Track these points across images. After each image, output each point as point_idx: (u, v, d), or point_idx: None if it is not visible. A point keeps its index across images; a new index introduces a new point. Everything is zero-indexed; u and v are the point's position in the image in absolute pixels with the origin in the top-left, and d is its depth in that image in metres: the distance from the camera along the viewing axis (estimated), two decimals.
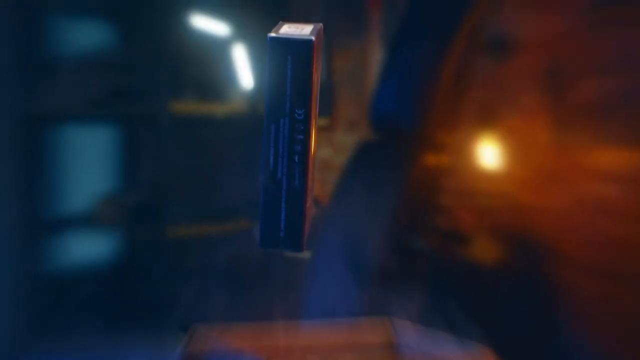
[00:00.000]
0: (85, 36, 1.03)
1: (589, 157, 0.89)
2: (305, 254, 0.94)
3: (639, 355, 0.81)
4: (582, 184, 0.88)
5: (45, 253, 1.01)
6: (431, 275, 0.90)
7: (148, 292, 0.98)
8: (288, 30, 0.50)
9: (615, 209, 0.85)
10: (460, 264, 0.91)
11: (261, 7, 1.00)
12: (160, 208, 1.04)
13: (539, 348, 0.86)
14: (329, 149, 1.06)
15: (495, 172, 0.93)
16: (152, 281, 0.99)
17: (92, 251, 1.01)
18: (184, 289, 0.93)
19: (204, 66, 1.03)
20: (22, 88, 1.00)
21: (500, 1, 0.94)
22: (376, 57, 1.02)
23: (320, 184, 1.01)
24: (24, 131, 1.00)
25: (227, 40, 1.03)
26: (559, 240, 0.88)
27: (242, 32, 1.02)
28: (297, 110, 0.50)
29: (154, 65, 1.03)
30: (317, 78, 0.52)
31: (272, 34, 0.48)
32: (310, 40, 0.49)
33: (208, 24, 1.02)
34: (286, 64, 0.50)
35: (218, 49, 1.02)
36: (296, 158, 0.50)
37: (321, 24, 0.52)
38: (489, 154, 0.94)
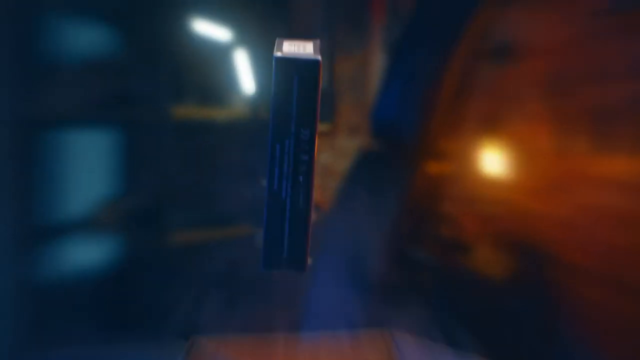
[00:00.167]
0: (85, 40, 1.02)
1: (593, 164, 0.88)
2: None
3: None
4: (586, 191, 0.88)
5: (43, 258, 1.01)
6: (432, 287, 0.90)
7: (147, 299, 0.97)
8: (290, 48, 0.49)
9: (619, 216, 0.85)
10: (462, 274, 0.90)
11: (263, 12, 0.99)
12: (161, 213, 1.03)
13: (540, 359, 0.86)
14: (330, 155, 1.05)
15: (498, 180, 0.93)
16: (152, 287, 0.99)
17: (91, 256, 1.01)
18: (184, 296, 0.92)
19: (205, 71, 1.02)
20: (21, 91, 0.99)
21: (505, 7, 0.94)
22: (378, 63, 1.01)
23: (321, 190, 1.00)
24: (23, 135, 0.99)
25: (228, 45, 1.02)
26: (562, 248, 0.87)
27: (243, 37, 1.01)
28: (302, 130, 0.50)
29: (155, 70, 1.02)
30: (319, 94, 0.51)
31: (278, 54, 0.48)
32: (317, 61, 0.49)
33: (209, 29, 1.01)
34: (292, 84, 0.49)
35: (219, 53, 1.01)
36: (300, 178, 0.50)
37: (319, 40, 0.51)
38: (492, 161, 0.94)
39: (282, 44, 0.50)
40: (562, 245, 0.86)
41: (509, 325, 0.86)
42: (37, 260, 1.00)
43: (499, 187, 0.92)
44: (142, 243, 1.02)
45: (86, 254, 1.01)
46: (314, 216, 0.55)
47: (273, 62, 0.48)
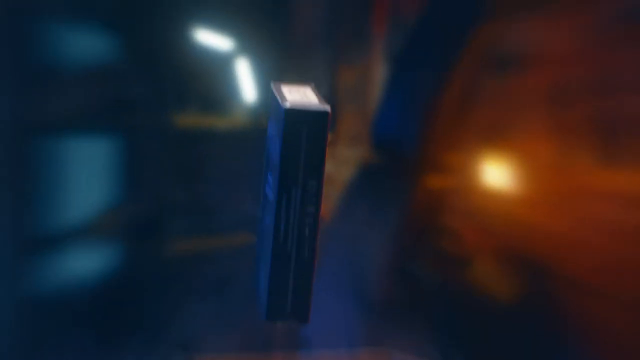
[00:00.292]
0: (86, 46, 1.01)
1: (598, 178, 0.88)
2: None
3: None
4: (591, 205, 0.87)
5: (40, 268, 1.00)
6: (433, 305, 0.89)
7: (147, 310, 0.97)
8: (294, 96, 0.49)
9: (625, 231, 0.85)
10: (463, 291, 0.90)
11: (264, 21, 0.98)
12: (161, 222, 1.02)
13: None
14: (331, 164, 1.04)
15: (501, 193, 0.92)
16: (151, 298, 0.98)
17: (89, 266, 1.00)
18: (181, 309, 0.92)
19: (207, 79, 1.01)
20: (19, 97, 0.98)
21: (510, 17, 0.92)
22: (380, 73, 1.00)
23: (323, 199, 1.00)
24: (21, 141, 0.98)
25: (229, 53, 1.01)
26: (567, 263, 0.87)
27: (245, 45, 1.00)
28: (309, 182, 0.49)
29: (156, 76, 1.01)
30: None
31: (287, 106, 0.47)
32: (327, 112, 0.49)
33: (211, 37, 1.00)
34: (300, 135, 0.49)
35: (221, 61, 1.00)
36: (307, 231, 0.50)
37: (313, 84, 0.52)
38: (495, 174, 0.93)
39: (281, 90, 0.50)
40: (567, 261, 0.86)
41: (510, 345, 0.86)
42: (34, 270, 0.99)
43: (501, 200, 0.91)
44: (142, 253, 1.02)
45: (84, 264, 1.00)
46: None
47: (282, 114, 0.47)
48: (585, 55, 0.88)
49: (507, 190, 0.91)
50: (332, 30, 0.99)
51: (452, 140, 0.94)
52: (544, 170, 0.90)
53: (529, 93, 0.91)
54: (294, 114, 0.47)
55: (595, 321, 0.83)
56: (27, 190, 0.98)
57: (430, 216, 0.93)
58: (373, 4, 0.99)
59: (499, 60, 0.92)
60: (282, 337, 0.88)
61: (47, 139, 0.99)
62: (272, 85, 0.52)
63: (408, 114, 0.97)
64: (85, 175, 1.01)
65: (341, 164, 1.02)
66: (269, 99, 0.52)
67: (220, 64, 0.99)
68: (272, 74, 0.98)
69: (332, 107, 1.01)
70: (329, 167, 1.05)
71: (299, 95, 0.49)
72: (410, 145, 0.95)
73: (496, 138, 0.93)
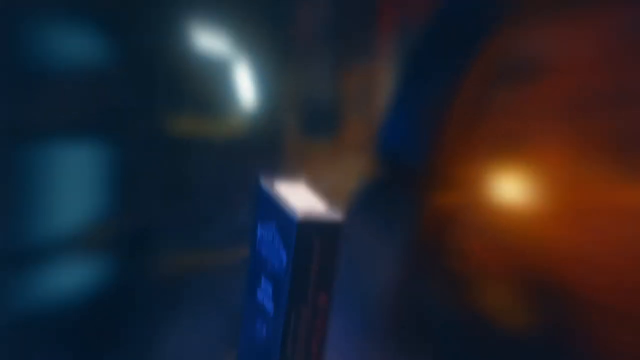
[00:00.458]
0: (77, 50, 0.99)
1: (618, 193, 0.84)
2: None
3: None
4: (609, 222, 0.83)
5: (24, 281, 0.98)
6: (442, 330, 0.85)
7: (134, 326, 0.94)
8: (295, 201, 0.46)
9: None
10: (474, 315, 0.86)
11: (265, 22, 0.96)
12: (153, 234, 1.00)
13: None
14: (335, 174, 1.01)
15: (514, 209, 0.88)
16: (141, 313, 0.95)
17: (75, 280, 0.98)
18: (173, 323, 0.89)
19: (203, 85, 0.99)
20: (6, 102, 0.96)
21: (525, 24, 0.89)
22: (386, 80, 0.98)
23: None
24: (7, 149, 0.96)
25: (228, 58, 0.99)
26: (585, 285, 0.83)
27: (243, 50, 0.98)
28: (320, 296, 0.47)
29: (150, 82, 0.99)
30: None
31: (300, 219, 0.44)
32: (340, 224, 0.46)
33: (209, 41, 0.98)
34: (313, 248, 0.46)
35: (219, 67, 0.98)
36: (314, 347, 0.46)
37: (303, 178, 0.50)
38: (509, 188, 0.89)
39: (279, 192, 0.47)
40: (584, 282, 0.82)
41: None
42: (17, 284, 0.97)
43: (516, 216, 0.87)
44: (131, 267, 0.99)
45: (70, 279, 0.98)
46: None
47: (293, 226, 0.44)
48: (604, 64, 0.85)
49: (522, 206, 0.87)
50: (337, 34, 0.97)
51: (463, 152, 0.90)
52: (560, 185, 0.86)
53: (545, 103, 0.88)
54: (307, 226, 0.45)
55: (618, 347, 0.79)
56: (11, 201, 0.96)
57: (440, 234, 0.90)
58: (380, 7, 0.97)
59: (513, 68, 0.89)
60: None
61: (33, 147, 0.97)
62: (263, 183, 0.49)
63: (416, 124, 0.93)
64: (74, 185, 0.98)
65: (344, 177, 1.00)
66: (256, 197, 0.50)
67: (218, 70, 0.98)
68: (272, 79, 0.96)
69: (336, 115, 0.99)
70: (333, 179, 1.03)
71: (302, 199, 0.47)
72: (419, 157, 0.92)
73: (510, 150, 0.89)
